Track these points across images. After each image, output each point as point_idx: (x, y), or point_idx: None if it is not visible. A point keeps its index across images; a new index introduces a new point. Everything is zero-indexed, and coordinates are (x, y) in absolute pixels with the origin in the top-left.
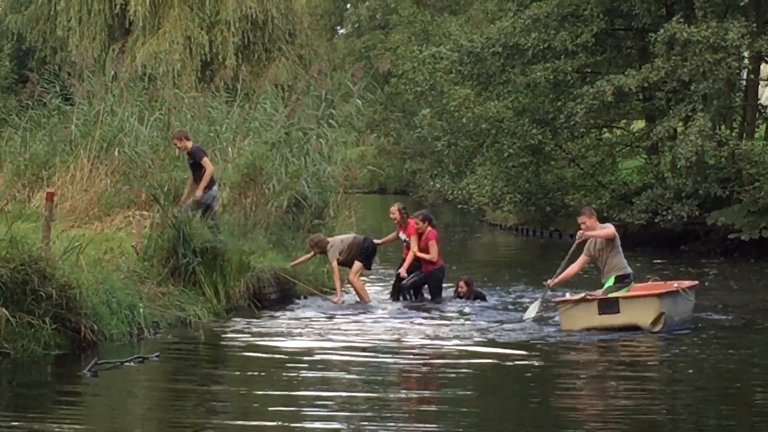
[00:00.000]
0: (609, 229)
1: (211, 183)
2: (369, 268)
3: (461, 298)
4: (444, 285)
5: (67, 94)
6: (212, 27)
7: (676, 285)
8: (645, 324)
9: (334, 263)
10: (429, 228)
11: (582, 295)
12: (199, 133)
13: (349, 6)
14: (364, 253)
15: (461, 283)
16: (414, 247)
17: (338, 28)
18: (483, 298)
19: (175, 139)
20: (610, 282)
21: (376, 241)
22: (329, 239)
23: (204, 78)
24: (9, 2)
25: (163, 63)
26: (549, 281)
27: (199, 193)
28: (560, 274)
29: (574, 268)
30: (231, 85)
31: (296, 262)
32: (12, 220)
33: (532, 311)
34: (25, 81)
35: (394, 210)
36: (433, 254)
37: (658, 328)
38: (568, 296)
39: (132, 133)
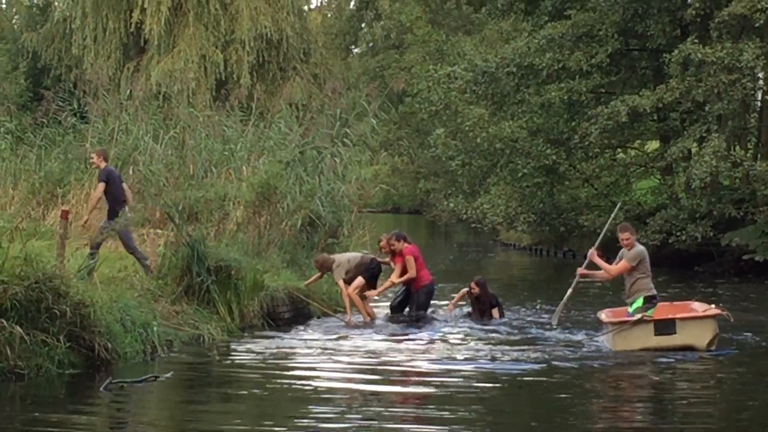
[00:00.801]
0: (623, 263)
1: (116, 205)
2: (374, 288)
3: (476, 299)
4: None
5: (82, 112)
6: (227, 46)
7: (713, 306)
8: (701, 345)
9: (341, 282)
10: (404, 245)
11: (639, 316)
12: (213, 152)
13: (363, 25)
14: (369, 273)
15: (473, 284)
16: (394, 276)
17: (353, 47)
18: (497, 302)
19: (94, 154)
20: (639, 302)
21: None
22: (335, 257)
23: (219, 97)
24: (25, 20)
25: (177, 81)
26: (579, 270)
27: (85, 216)
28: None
29: (611, 269)
30: (246, 103)
31: (309, 281)
32: (27, 237)
33: (557, 316)
34: (41, 99)
35: (384, 242)
36: (410, 271)
37: (712, 349)
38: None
39: (146, 151)
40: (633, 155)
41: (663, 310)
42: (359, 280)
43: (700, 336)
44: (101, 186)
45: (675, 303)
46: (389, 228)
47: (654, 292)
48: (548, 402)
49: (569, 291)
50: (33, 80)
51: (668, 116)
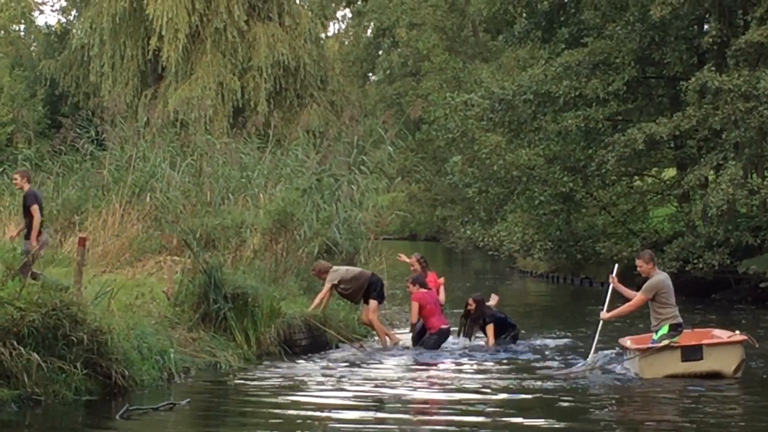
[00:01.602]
0: (638, 296)
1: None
2: (381, 302)
3: (467, 315)
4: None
5: (99, 139)
6: (244, 73)
7: (738, 332)
8: (728, 371)
9: (327, 286)
10: (417, 289)
11: (666, 342)
12: (230, 179)
13: (381, 53)
14: (374, 288)
15: (469, 300)
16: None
17: (370, 74)
18: (503, 321)
19: (17, 175)
20: (664, 330)
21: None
22: (335, 267)
23: (236, 124)
24: (43, 48)
25: (195, 109)
26: (602, 314)
27: (33, 242)
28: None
29: (629, 306)
30: (263, 131)
31: (315, 303)
32: (44, 264)
33: (592, 357)
34: (59, 126)
35: (413, 261)
36: (412, 316)
37: (738, 375)
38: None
39: (164, 178)
40: (650, 183)
41: (686, 338)
42: (374, 303)
43: (727, 362)
44: (36, 209)
45: (696, 330)
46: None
47: (679, 320)
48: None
49: (596, 337)
50: (51, 107)
51: (685, 144)
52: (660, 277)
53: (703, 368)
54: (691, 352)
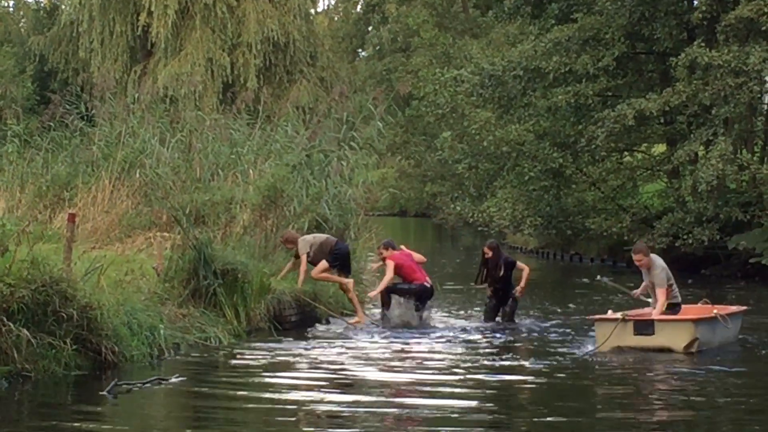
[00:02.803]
0: (661, 291)
1: None
2: (347, 273)
3: (485, 263)
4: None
5: (89, 115)
6: (234, 49)
7: (715, 311)
8: (678, 348)
9: (303, 257)
10: (391, 252)
11: (620, 315)
12: (220, 155)
13: (370, 29)
14: (334, 255)
15: (485, 248)
16: (382, 284)
17: (359, 50)
18: (513, 265)
19: None
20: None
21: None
22: (303, 236)
23: (225, 100)
24: (32, 24)
25: (184, 85)
26: (653, 313)
27: None
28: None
29: (661, 304)
30: (252, 107)
31: (301, 279)
32: (34, 241)
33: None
34: (48, 102)
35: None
36: (387, 274)
37: (692, 350)
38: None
39: (153, 154)
40: (640, 158)
41: (684, 313)
42: (323, 264)
43: (677, 339)
44: None
45: (701, 305)
46: (396, 231)
47: (678, 299)
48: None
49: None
50: (40, 83)
51: (675, 119)
52: (660, 262)
53: (654, 343)
54: (644, 327)
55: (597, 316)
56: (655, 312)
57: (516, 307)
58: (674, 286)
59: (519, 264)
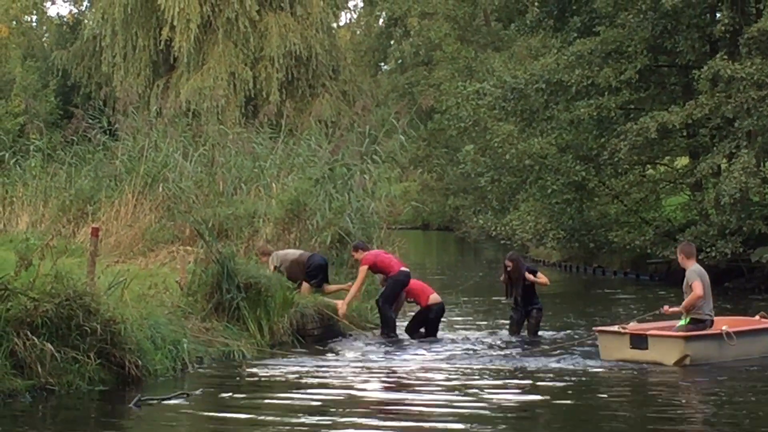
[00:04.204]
0: (692, 294)
1: None
2: (320, 286)
3: (509, 276)
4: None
5: (111, 129)
6: (256, 63)
7: (725, 328)
8: (668, 363)
9: (271, 268)
10: (362, 254)
11: (617, 327)
12: (243, 168)
13: (392, 42)
14: (309, 272)
15: (506, 261)
16: (354, 288)
17: (382, 64)
18: (535, 273)
19: None
20: (684, 321)
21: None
22: (275, 251)
23: (248, 114)
24: (55, 38)
25: (207, 99)
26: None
27: None
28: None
29: (696, 294)
30: (275, 120)
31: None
32: (57, 255)
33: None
34: (71, 117)
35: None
36: (359, 278)
37: (683, 365)
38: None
39: (176, 168)
40: (662, 171)
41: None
42: (305, 286)
43: (668, 354)
44: None
45: (759, 318)
46: (419, 245)
47: (704, 316)
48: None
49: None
50: (63, 98)
51: (698, 132)
52: (698, 268)
53: (647, 357)
54: (639, 341)
55: (599, 328)
56: (679, 308)
57: (541, 318)
58: (704, 301)
59: (539, 275)
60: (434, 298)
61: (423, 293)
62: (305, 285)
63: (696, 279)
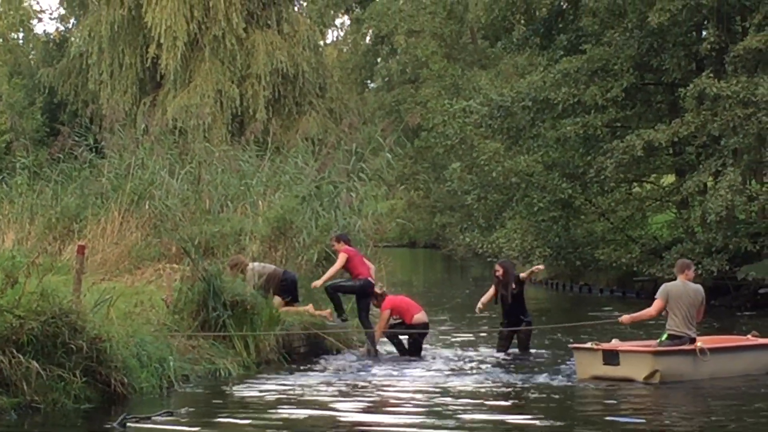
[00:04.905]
0: (652, 308)
1: None
2: (296, 301)
3: (499, 282)
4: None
5: (98, 147)
6: (243, 81)
7: (699, 344)
8: (639, 378)
9: (251, 285)
10: (343, 246)
11: (590, 344)
12: (229, 186)
13: (379, 60)
14: (284, 287)
15: (497, 266)
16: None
17: (368, 82)
18: (524, 283)
19: None
20: (663, 337)
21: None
22: (251, 264)
23: (234, 131)
24: (41, 56)
25: (193, 116)
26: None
27: None
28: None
29: (649, 311)
30: (261, 138)
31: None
32: (43, 272)
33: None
34: (57, 134)
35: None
36: (338, 261)
37: (654, 382)
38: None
39: (163, 186)
40: (649, 189)
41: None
42: (277, 300)
43: (638, 370)
44: None
45: (727, 336)
46: (405, 262)
47: (678, 332)
48: None
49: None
50: (49, 115)
51: (684, 150)
52: (668, 285)
53: (618, 373)
54: (611, 357)
55: (575, 345)
56: (625, 318)
57: (530, 333)
58: (676, 318)
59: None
60: (419, 317)
61: (408, 311)
62: (277, 299)
63: (659, 296)
